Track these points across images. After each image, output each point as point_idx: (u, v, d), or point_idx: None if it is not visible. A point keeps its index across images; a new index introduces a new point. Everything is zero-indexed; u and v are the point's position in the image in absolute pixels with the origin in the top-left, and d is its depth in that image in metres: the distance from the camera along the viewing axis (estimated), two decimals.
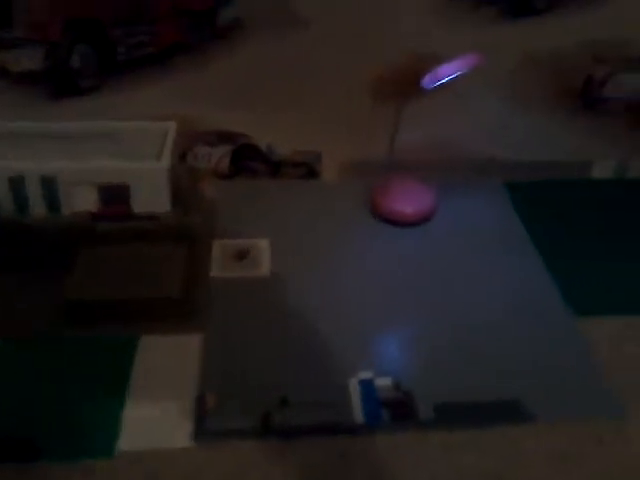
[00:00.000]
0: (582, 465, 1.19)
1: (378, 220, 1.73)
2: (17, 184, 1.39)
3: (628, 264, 1.65)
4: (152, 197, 1.42)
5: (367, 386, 1.29)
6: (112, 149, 1.47)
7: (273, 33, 1.64)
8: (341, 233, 1.68)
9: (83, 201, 1.42)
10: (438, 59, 1.50)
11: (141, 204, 1.43)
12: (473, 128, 1.82)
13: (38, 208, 1.43)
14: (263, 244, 1.60)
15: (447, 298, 1.52)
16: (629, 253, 1.69)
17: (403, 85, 1.57)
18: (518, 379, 1.33)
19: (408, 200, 1.73)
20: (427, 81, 1.44)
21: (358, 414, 1.23)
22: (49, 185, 1.40)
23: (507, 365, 1.36)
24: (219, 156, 1.77)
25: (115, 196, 1.41)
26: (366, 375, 1.31)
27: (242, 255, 1.56)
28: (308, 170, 1.83)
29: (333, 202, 1.79)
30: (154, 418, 1.19)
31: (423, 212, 1.72)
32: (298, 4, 1.60)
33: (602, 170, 1.95)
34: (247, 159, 1.79)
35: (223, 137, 1.77)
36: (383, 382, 1.30)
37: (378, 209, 1.73)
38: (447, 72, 1.44)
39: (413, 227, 1.72)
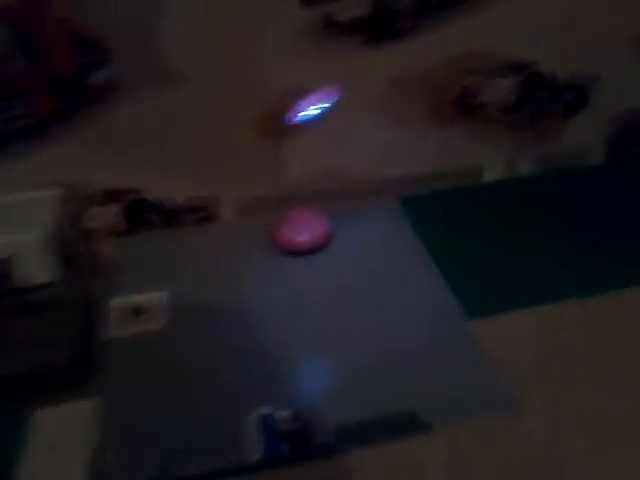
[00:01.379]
0: (477, 465, 1.21)
1: (278, 253, 1.75)
2: None
3: (521, 260, 1.71)
4: (36, 268, 1.43)
5: (267, 421, 1.30)
6: None
7: (152, 89, 1.67)
8: (242, 271, 1.70)
9: None
10: (304, 93, 1.55)
11: (25, 276, 1.43)
12: (360, 152, 1.87)
13: None
14: (162, 296, 1.61)
15: (348, 320, 1.54)
16: (522, 248, 1.75)
17: (280, 121, 1.62)
18: (416, 390, 1.36)
19: (304, 230, 1.76)
20: (290, 117, 1.48)
21: (259, 450, 1.24)
22: None
23: (406, 377, 1.39)
24: (113, 214, 1.78)
25: None
26: (266, 410, 1.32)
27: (140, 311, 1.56)
28: (205, 214, 1.86)
29: (233, 242, 1.81)
30: None
31: (319, 239, 1.75)
32: (174, 61, 1.64)
33: (492, 173, 2.02)
34: (142, 212, 1.81)
35: (114, 195, 1.78)
36: (283, 414, 1.31)
37: (277, 242, 1.76)
38: (307, 106, 1.49)
39: (313, 255, 1.75)
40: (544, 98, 1.90)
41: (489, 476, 1.21)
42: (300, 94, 1.54)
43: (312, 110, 1.51)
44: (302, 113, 1.50)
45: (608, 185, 2.00)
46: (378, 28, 1.66)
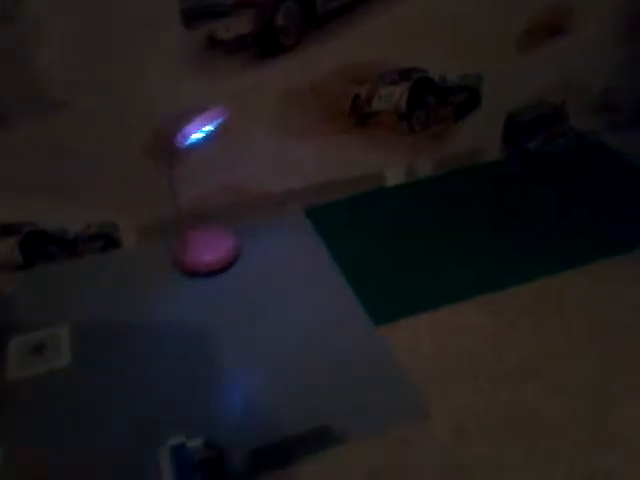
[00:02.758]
0: (394, 473, 1.24)
1: (185, 276, 1.73)
2: None
3: (425, 262, 1.75)
4: None
5: (178, 451, 1.29)
6: None
7: (36, 119, 1.61)
8: (148, 298, 1.67)
9: None
10: (192, 114, 1.54)
11: None
12: (260, 166, 1.87)
13: None
14: (63, 332, 1.56)
15: (259, 337, 1.55)
16: (426, 250, 1.79)
17: (171, 143, 1.59)
18: (329, 403, 1.38)
19: (209, 249, 1.75)
20: (179, 140, 1.47)
21: None
22: None
23: (318, 390, 1.41)
24: (8, 249, 1.71)
25: None
26: (178, 440, 1.31)
27: (42, 348, 1.51)
28: (105, 242, 1.81)
29: (137, 268, 1.77)
30: None
31: (225, 257, 1.74)
32: (56, 90, 1.58)
33: (393, 178, 2.06)
34: (39, 245, 1.74)
35: (8, 229, 1.71)
36: (195, 443, 1.30)
37: (182, 265, 1.73)
38: (196, 127, 1.48)
39: (220, 274, 1.73)
40: (435, 102, 1.95)
41: None
42: (189, 115, 1.52)
43: (201, 131, 1.50)
44: (192, 135, 1.48)
45: (506, 180, 2.08)
46: (263, 44, 1.66)
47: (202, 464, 1.26)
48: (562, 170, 2.11)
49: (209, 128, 1.51)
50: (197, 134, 1.49)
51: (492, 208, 1.96)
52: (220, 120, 1.52)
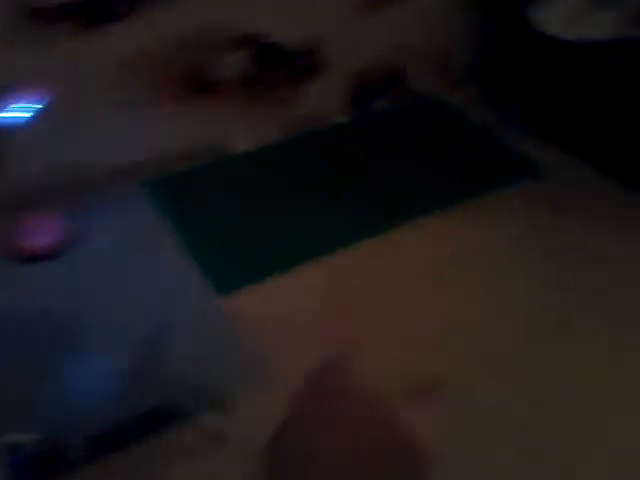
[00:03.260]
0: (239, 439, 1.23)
1: (19, 262, 1.62)
2: None
3: (269, 229, 1.75)
4: None
5: (12, 448, 1.21)
6: None
7: None
8: None
9: None
10: (10, 91, 1.42)
11: None
12: (96, 141, 1.77)
13: None
14: None
15: (101, 320, 1.49)
16: (269, 217, 1.79)
17: None
18: (175, 378, 1.36)
19: (43, 232, 1.65)
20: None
21: None
22: None
23: (165, 366, 1.38)
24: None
25: None
26: (12, 437, 1.23)
27: None
28: None
29: None
30: None
31: (60, 240, 1.65)
32: None
33: (240, 145, 2.03)
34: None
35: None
36: (29, 438, 1.22)
37: (16, 250, 1.62)
38: (13, 106, 1.36)
39: (57, 257, 1.64)
40: (278, 66, 1.93)
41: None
42: (7, 92, 1.40)
43: (21, 109, 1.38)
44: (9, 113, 1.36)
45: (350, 141, 2.10)
46: (91, 12, 1.55)
47: (38, 458, 1.19)
48: (402, 128, 2.16)
49: (31, 105, 1.39)
50: (16, 112, 1.37)
51: (334, 170, 1.97)
52: (43, 96, 1.41)
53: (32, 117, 1.45)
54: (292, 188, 1.89)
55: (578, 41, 1.73)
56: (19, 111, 1.41)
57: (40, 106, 1.43)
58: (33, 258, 1.61)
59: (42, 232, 1.64)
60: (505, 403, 1.30)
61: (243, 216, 1.79)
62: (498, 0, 1.95)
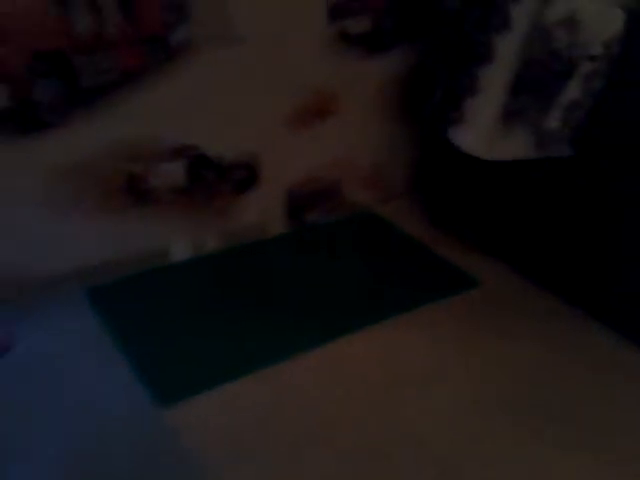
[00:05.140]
0: None
1: None
2: None
3: (210, 338, 1.74)
4: None
5: None
6: None
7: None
8: None
9: None
10: None
11: None
12: (33, 248, 1.76)
13: None
14: None
15: (30, 435, 1.42)
16: (212, 326, 1.78)
17: None
18: None
19: None
20: None
21: None
22: None
23: None
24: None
25: None
26: None
27: None
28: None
29: None
30: None
31: None
32: None
33: (179, 253, 2.05)
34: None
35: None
36: None
37: None
38: None
39: None
40: (214, 177, 1.99)
41: None
42: None
43: None
44: None
45: (286, 253, 2.15)
46: (23, 121, 1.58)
47: None
48: (340, 240, 2.24)
49: None
50: None
51: (272, 281, 2.01)
52: None
53: None
54: (232, 297, 1.90)
55: (493, 160, 1.88)
56: None
57: None
58: None
59: None
60: None
61: (183, 325, 1.78)
62: (422, 119, 2.10)
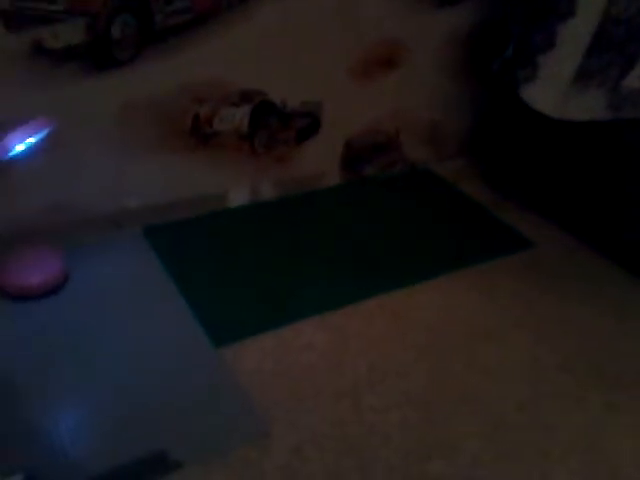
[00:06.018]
0: None
1: (8, 299, 1.58)
2: None
3: (267, 282, 1.75)
4: None
5: None
6: None
7: None
8: None
9: None
10: (12, 126, 1.42)
11: None
12: (95, 183, 1.78)
13: None
14: None
15: (93, 363, 1.45)
16: (267, 271, 1.80)
17: None
18: (167, 427, 1.32)
19: (35, 271, 1.62)
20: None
21: None
22: None
23: (156, 417, 1.34)
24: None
25: None
26: None
27: None
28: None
29: None
30: None
31: (53, 280, 1.62)
32: None
33: (236, 199, 2.05)
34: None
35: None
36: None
37: (4, 287, 1.59)
38: (16, 140, 1.36)
39: (48, 298, 1.61)
40: (277, 125, 1.98)
41: None
42: (9, 126, 1.40)
43: (23, 143, 1.38)
44: (13, 147, 1.36)
45: (343, 205, 2.15)
46: (96, 56, 1.58)
47: None
48: (395, 195, 2.22)
49: (32, 140, 1.39)
50: (19, 146, 1.37)
51: (330, 232, 2.00)
52: (44, 132, 1.41)
53: (32, 151, 1.44)
54: (289, 245, 1.91)
55: (563, 120, 1.83)
56: (21, 144, 1.40)
57: (40, 140, 1.42)
58: (23, 297, 1.58)
59: (36, 270, 1.62)
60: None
61: (241, 269, 1.79)
62: (490, 75, 2.05)
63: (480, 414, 1.42)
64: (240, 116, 1.91)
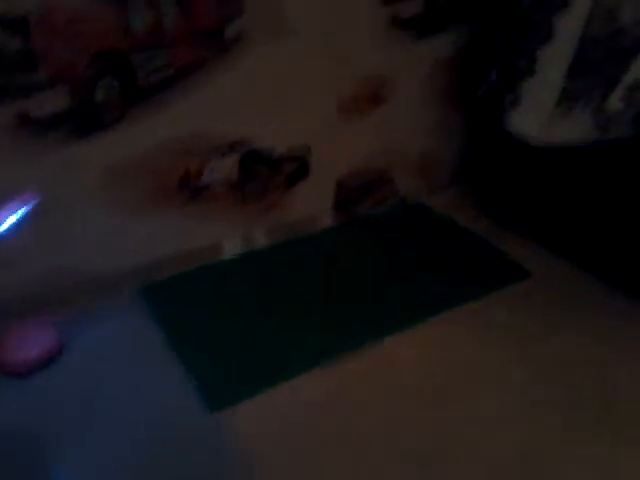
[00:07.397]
0: None
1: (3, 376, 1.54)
2: None
3: (266, 335, 1.71)
4: None
5: None
6: None
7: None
8: None
9: None
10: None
11: None
12: (88, 246, 1.74)
13: None
14: None
15: (87, 435, 1.41)
16: (266, 323, 1.75)
17: None
18: None
19: (26, 345, 1.58)
20: None
21: None
22: None
23: None
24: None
25: None
26: None
27: None
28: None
29: None
30: None
31: (46, 352, 1.58)
32: None
33: (231, 249, 2.02)
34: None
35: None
36: None
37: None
38: (1, 219, 1.32)
39: (43, 370, 1.56)
40: (266, 172, 1.95)
41: None
42: None
43: (7, 223, 1.33)
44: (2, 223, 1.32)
45: (337, 246, 2.11)
46: (81, 121, 1.56)
47: None
48: (389, 232, 2.19)
49: (17, 217, 1.35)
50: (4, 225, 1.32)
51: (324, 275, 1.97)
52: (30, 206, 1.37)
53: (18, 226, 1.40)
54: (286, 294, 1.87)
55: (548, 146, 1.81)
56: (5, 222, 1.36)
57: (26, 214, 1.39)
58: (17, 373, 1.53)
59: (26, 345, 1.57)
60: None
61: (237, 324, 1.75)
62: (476, 102, 2.04)
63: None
64: (229, 166, 1.88)
